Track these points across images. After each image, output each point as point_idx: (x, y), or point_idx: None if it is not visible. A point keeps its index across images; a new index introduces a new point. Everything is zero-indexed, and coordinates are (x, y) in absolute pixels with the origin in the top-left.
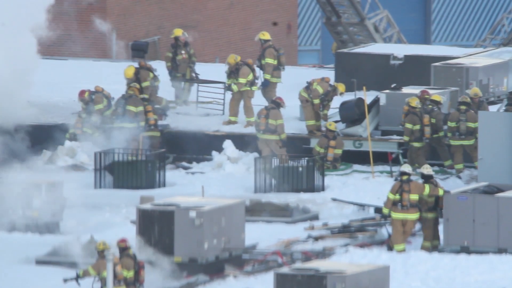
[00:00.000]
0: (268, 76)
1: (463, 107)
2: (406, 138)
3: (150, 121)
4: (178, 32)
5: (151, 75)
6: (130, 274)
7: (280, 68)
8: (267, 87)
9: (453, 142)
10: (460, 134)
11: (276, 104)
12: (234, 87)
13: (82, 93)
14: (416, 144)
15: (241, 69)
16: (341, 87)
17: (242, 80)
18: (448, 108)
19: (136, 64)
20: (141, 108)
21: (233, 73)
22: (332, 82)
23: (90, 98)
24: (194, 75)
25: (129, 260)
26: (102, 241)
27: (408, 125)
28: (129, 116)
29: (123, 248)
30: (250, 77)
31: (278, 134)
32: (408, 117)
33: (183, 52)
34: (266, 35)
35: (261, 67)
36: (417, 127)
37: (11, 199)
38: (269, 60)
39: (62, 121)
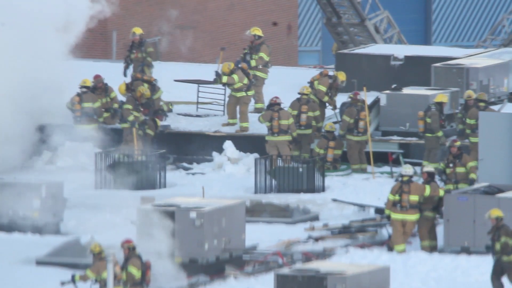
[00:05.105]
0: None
1: (482, 104)
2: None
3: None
4: (136, 30)
5: (146, 85)
6: (138, 274)
7: (268, 66)
8: (255, 83)
9: (471, 140)
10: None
11: (278, 104)
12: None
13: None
14: (301, 131)
15: (236, 73)
16: (341, 75)
17: (237, 81)
18: (453, 108)
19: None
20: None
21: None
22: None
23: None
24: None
25: (137, 260)
26: (95, 243)
27: (292, 111)
28: (125, 115)
29: (133, 248)
30: (245, 81)
31: (290, 134)
32: (292, 103)
33: (134, 51)
34: (260, 31)
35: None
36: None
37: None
38: (264, 55)
39: (62, 121)
